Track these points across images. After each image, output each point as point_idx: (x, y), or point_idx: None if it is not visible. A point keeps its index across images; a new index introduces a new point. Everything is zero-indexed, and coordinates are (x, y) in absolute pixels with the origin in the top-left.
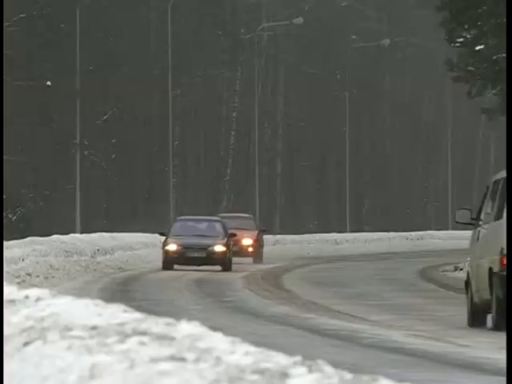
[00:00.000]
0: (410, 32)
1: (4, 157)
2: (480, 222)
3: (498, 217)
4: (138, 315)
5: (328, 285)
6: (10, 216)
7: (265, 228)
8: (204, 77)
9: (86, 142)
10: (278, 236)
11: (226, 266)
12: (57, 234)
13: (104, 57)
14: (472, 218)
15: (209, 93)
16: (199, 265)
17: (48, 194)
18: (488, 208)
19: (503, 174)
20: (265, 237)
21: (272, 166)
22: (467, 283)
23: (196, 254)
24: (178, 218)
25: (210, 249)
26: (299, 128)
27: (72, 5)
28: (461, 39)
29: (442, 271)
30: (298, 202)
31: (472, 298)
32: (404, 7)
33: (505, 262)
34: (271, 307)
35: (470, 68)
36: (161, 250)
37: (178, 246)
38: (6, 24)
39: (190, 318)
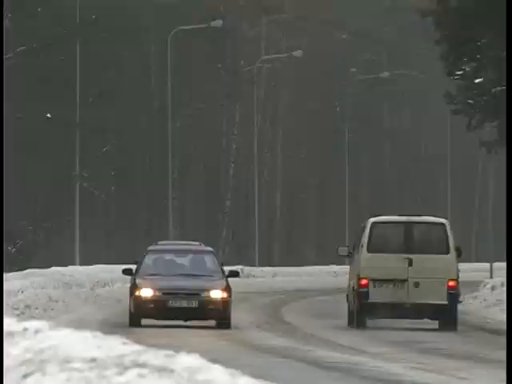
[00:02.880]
0: (409, 65)
1: (4, 188)
2: (353, 255)
3: (358, 252)
4: (137, 347)
5: (327, 317)
6: (9, 248)
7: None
8: (204, 109)
9: (86, 174)
10: (277, 268)
11: (225, 321)
12: (56, 266)
13: (104, 89)
14: (349, 252)
15: (208, 125)
16: (186, 319)
17: (47, 227)
18: (356, 245)
19: (370, 220)
20: (265, 269)
21: (271, 198)
22: (347, 296)
23: (184, 304)
24: (152, 246)
25: (204, 295)
26: (299, 160)
27: (72, 37)
28: (460, 72)
29: None
30: (297, 234)
31: (349, 307)
32: (403, 40)
33: (361, 283)
34: (271, 340)
35: (469, 101)
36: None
37: (155, 290)
38: (6, 56)
39: (190, 350)
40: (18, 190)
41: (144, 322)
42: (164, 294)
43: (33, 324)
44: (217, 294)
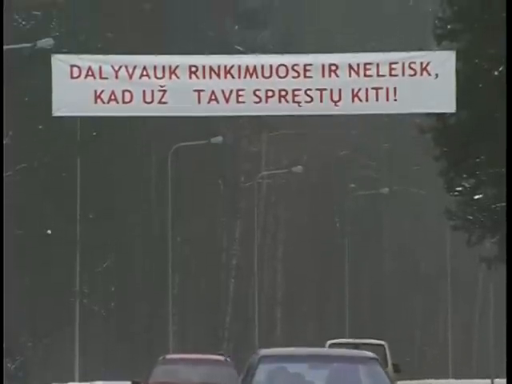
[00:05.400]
0: (408, 181)
1: (4, 304)
2: None
3: None
4: None
5: None
6: (9, 365)
7: None
8: (204, 224)
9: (86, 290)
10: None
11: None
12: (55, 382)
13: (104, 205)
14: None
15: (208, 240)
16: None
17: (47, 343)
18: None
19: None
20: None
21: (272, 313)
22: None
23: None
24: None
25: None
26: (299, 275)
27: (73, 154)
28: (459, 188)
29: None
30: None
31: None
32: (402, 156)
33: None
34: None
35: (468, 217)
36: None
37: None
38: (6, 173)
39: None
40: (18, 306)
41: None
42: None
43: None
44: None
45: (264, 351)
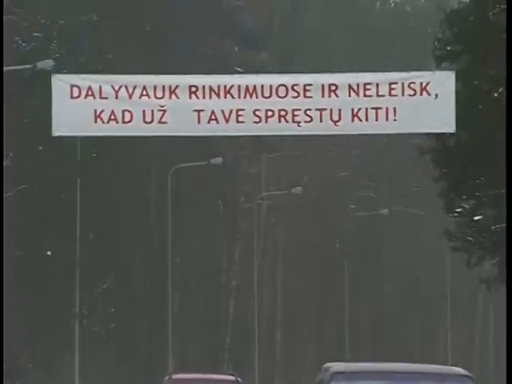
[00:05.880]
0: (408, 202)
1: (4, 325)
2: None
3: None
4: None
5: None
6: None
7: None
8: (203, 245)
9: (85, 311)
10: None
11: None
12: None
13: (104, 225)
14: None
15: (208, 261)
16: None
17: (47, 364)
18: None
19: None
20: None
21: (271, 334)
22: None
23: None
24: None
25: None
26: (299, 296)
27: (73, 174)
28: (459, 209)
29: None
30: (298, 370)
31: None
32: (402, 177)
33: None
34: None
35: (468, 238)
36: None
37: None
38: (6, 194)
39: None
40: (18, 327)
41: None
42: None
43: None
44: None
45: (335, 367)
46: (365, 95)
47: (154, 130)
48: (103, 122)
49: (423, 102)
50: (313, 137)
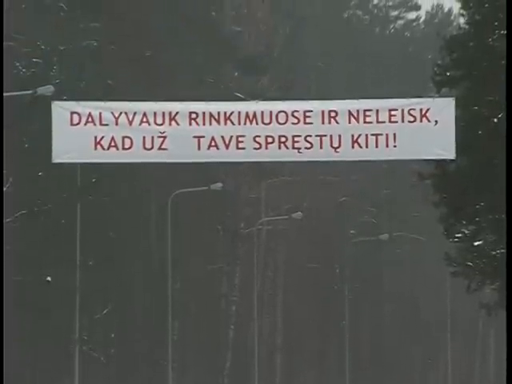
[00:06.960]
0: (408, 227)
1: (4, 352)
2: None
3: None
4: None
5: None
6: None
7: None
8: (203, 270)
9: (85, 337)
10: None
11: None
12: None
13: (104, 252)
14: None
15: (208, 286)
16: None
17: None
18: None
19: None
20: None
21: (271, 359)
22: None
23: None
24: None
25: None
26: (299, 321)
27: (73, 200)
28: (459, 235)
29: None
30: None
31: None
32: (402, 203)
33: None
34: None
35: (468, 263)
36: None
37: None
38: (6, 220)
39: None
40: (18, 354)
41: None
42: None
43: None
44: None
45: None
46: (365, 121)
47: (154, 157)
48: (103, 149)
49: (423, 129)
50: (313, 162)
